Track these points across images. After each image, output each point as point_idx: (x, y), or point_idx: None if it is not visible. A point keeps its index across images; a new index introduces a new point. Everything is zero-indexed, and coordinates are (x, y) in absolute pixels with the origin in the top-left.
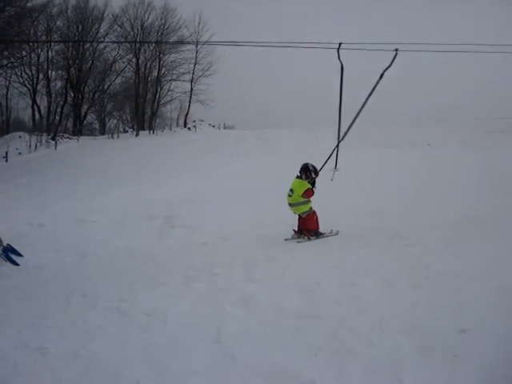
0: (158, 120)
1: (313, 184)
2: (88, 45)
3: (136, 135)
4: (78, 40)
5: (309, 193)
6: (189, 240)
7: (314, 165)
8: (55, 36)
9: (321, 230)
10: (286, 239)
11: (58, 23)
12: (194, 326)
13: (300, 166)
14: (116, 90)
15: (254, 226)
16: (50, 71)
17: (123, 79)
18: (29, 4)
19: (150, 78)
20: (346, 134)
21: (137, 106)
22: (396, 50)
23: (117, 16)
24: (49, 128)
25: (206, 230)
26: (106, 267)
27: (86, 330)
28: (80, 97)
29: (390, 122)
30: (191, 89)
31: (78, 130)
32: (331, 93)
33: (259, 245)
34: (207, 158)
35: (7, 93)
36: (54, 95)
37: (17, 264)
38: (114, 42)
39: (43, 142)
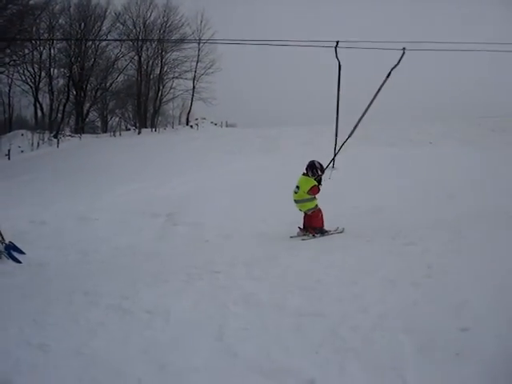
0: (160, 118)
1: (319, 181)
2: (90, 42)
3: (138, 133)
4: (80, 38)
5: (314, 190)
6: (191, 238)
7: (321, 162)
8: (57, 34)
9: (326, 227)
10: (291, 236)
11: (60, 21)
12: (196, 324)
13: (304, 164)
14: (118, 87)
15: (256, 224)
16: (52, 69)
17: (125, 77)
18: (31, 2)
19: (152, 76)
20: (352, 132)
21: (139, 103)
22: (403, 49)
23: (119, 14)
24: (51, 126)
25: (207, 228)
26: (108, 265)
27: (88, 327)
28: (82, 95)
29: (391, 120)
30: (193, 87)
31: (80, 128)
32: (334, 91)
33: (260, 243)
34: (209, 155)
35: (9, 91)
36: (56, 93)
37: (19, 261)
38: (117, 40)
39: (45, 139)
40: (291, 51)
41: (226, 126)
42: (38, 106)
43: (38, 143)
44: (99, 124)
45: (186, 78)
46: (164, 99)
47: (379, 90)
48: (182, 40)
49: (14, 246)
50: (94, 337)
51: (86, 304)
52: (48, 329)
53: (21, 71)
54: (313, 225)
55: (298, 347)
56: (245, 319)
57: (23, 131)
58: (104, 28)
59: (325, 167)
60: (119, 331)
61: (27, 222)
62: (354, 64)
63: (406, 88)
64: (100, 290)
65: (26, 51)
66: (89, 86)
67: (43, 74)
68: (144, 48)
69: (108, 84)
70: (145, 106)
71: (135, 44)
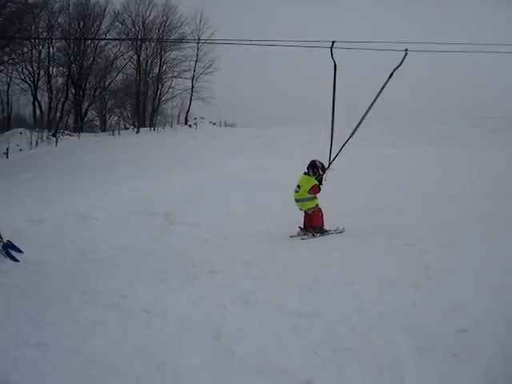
0: (158, 117)
1: (320, 181)
2: (89, 41)
3: (137, 132)
4: (79, 37)
5: (315, 189)
6: (189, 237)
7: (322, 162)
8: (56, 32)
9: (326, 227)
10: (291, 236)
11: (59, 20)
12: (194, 323)
13: (304, 164)
14: (117, 86)
15: (254, 224)
16: (51, 68)
17: (124, 76)
18: (30, 0)
19: (151, 75)
20: (354, 132)
21: (138, 102)
22: (406, 50)
23: (118, 13)
24: (50, 124)
25: (206, 227)
26: (107, 264)
27: (86, 326)
28: (81, 93)
29: (391, 120)
30: (192, 86)
31: (79, 127)
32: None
33: (259, 242)
34: (208, 155)
35: (8, 89)
36: (55, 92)
37: (17, 260)
38: (116, 39)
39: (44, 138)
40: (291, 51)
41: (225, 125)
42: (36, 104)
43: (37, 142)
44: (98, 123)
45: (184, 78)
46: (163, 98)
47: (381, 90)
48: (181, 40)
49: (12, 244)
50: (93, 336)
51: (84, 303)
52: (46, 328)
53: (20, 70)
54: (313, 224)
55: (295, 347)
56: (242, 319)
57: (22, 130)
58: (103, 27)
59: (326, 167)
60: (117, 330)
61: (25, 220)
62: (356, 64)
63: (406, 88)
64: (98, 288)
65: (25, 50)
66: (88, 84)
67: (42, 72)
68: (143, 47)
69: (107, 83)
70: (143, 105)
71: (134, 43)
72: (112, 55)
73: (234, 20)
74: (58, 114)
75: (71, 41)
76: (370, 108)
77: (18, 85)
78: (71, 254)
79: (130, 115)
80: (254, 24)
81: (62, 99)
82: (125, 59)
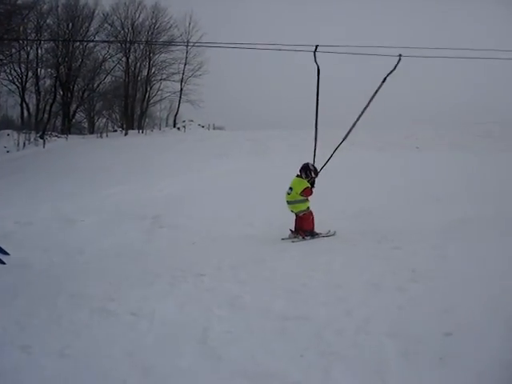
0: (147, 119)
1: (312, 184)
2: (78, 43)
3: (125, 134)
4: (67, 39)
5: (307, 192)
6: (177, 240)
7: (315, 165)
8: (45, 34)
9: (317, 230)
10: (282, 238)
11: (48, 21)
12: (181, 327)
13: (294, 167)
14: (105, 88)
15: (242, 227)
16: (39, 69)
17: (113, 78)
18: (19, 1)
19: (139, 78)
20: (346, 136)
21: (126, 105)
22: (399, 55)
23: (107, 14)
24: (37, 126)
25: (194, 231)
26: (94, 266)
27: (72, 329)
28: (69, 95)
29: (380, 124)
30: (181, 89)
31: (67, 129)
32: (324, 93)
33: (247, 246)
34: (196, 158)
35: None
36: (43, 93)
37: (3, 262)
38: (104, 41)
39: (31, 140)
40: (279, 53)
41: (214, 128)
42: (24, 106)
43: (24, 143)
44: (86, 125)
45: (173, 80)
46: (151, 101)
47: (374, 95)
48: (169, 43)
49: None
50: (78, 339)
51: (70, 306)
52: (31, 330)
53: (7, 71)
54: (303, 227)
55: (282, 351)
56: (229, 322)
57: (9, 131)
58: (92, 29)
59: (319, 170)
60: (104, 333)
61: (12, 222)
62: (350, 69)
63: (395, 92)
64: (85, 291)
65: (13, 51)
66: (76, 86)
67: (30, 73)
68: (132, 49)
69: (95, 85)
70: (132, 108)
71: (123, 45)
72: (101, 57)
73: (224, 22)
74: (46, 115)
75: (60, 42)
76: (362, 112)
77: (5, 86)
78: (58, 257)
79: (118, 117)
80: (244, 26)
81: (50, 101)
82: (113, 61)
